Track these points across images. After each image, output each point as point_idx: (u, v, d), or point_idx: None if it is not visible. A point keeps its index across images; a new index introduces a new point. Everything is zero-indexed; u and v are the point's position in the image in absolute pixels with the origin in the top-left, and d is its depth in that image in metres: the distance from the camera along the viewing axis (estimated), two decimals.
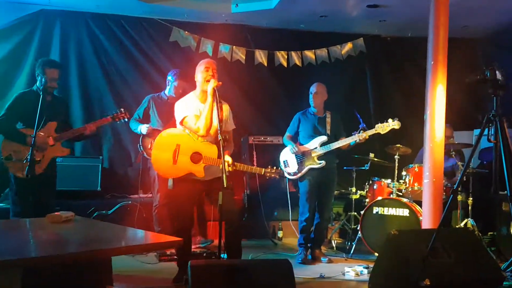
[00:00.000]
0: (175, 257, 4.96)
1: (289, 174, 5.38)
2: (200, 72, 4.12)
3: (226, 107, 4.24)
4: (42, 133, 4.38)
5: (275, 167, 4.22)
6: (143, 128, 5.28)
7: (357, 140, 5.10)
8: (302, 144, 5.32)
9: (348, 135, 5.25)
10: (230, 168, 3.95)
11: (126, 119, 4.87)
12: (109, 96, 6.67)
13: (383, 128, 5.08)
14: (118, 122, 4.94)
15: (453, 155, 5.54)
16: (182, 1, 6.30)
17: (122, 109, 4.85)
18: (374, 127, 5.11)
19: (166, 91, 5.49)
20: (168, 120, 5.23)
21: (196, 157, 4.01)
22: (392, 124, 5.05)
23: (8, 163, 4.40)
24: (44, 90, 4.36)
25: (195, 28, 6.90)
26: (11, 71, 6.28)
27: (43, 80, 4.43)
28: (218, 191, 3.90)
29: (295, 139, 5.39)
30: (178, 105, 4.21)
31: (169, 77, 5.49)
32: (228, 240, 4.06)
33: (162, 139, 4.16)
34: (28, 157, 4.04)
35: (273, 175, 4.19)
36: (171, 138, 4.11)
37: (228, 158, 3.97)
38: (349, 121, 5.52)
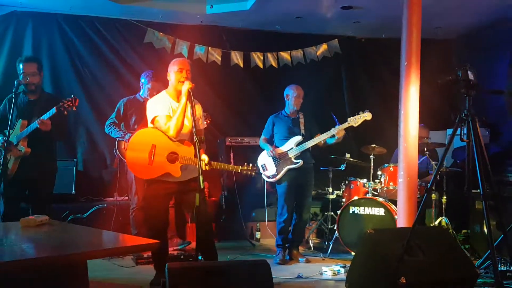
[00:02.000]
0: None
1: (268, 177, 5.38)
2: (174, 72, 4.08)
3: (198, 107, 4.19)
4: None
5: (251, 164, 4.21)
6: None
7: (334, 134, 5.13)
8: (278, 147, 5.33)
9: (323, 132, 5.29)
10: (207, 167, 3.93)
11: (74, 108, 4.34)
12: (82, 97, 6.54)
13: (355, 120, 5.14)
14: (66, 113, 4.35)
15: (427, 154, 5.62)
16: (156, 2, 6.26)
17: (72, 97, 4.32)
18: (346, 121, 5.15)
19: (141, 93, 5.43)
20: (145, 123, 5.18)
21: (172, 157, 3.97)
22: (364, 115, 5.11)
23: None
24: (25, 86, 4.27)
25: (170, 29, 6.86)
26: None
27: (20, 76, 4.33)
28: (192, 192, 3.92)
29: (271, 141, 5.41)
30: (150, 103, 4.16)
31: (142, 79, 5.43)
32: (200, 242, 4.04)
33: (137, 138, 4.11)
34: (1, 161, 3.97)
35: (249, 173, 4.19)
36: (147, 138, 4.05)
37: (204, 157, 3.95)
38: (325, 121, 5.55)
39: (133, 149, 4.08)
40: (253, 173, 4.18)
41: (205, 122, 4.31)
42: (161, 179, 4.00)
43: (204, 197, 4.00)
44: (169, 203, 4.17)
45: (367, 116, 5.11)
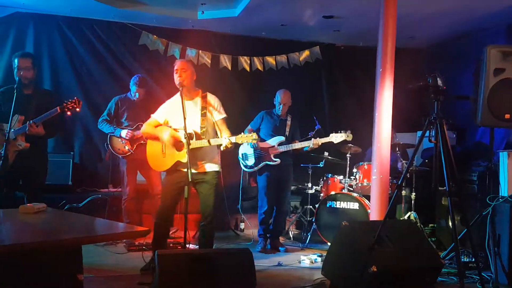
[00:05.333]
0: (144, 247, 4.91)
1: (245, 167, 5.41)
2: (174, 74, 4.06)
3: (212, 98, 4.15)
4: (5, 128, 4.14)
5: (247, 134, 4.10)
6: (123, 133, 5.12)
7: (311, 146, 5.17)
8: (264, 141, 5.34)
9: (304, 136, 5.31)
10: (229, 144, 3.83)
11: (78, 109, 4.32)
12: (80, 95, 6.47)
13: (336, 138, 5.17)
14: (70, 113, 4.33)
15: (398, 154, 5.68)
16: (151, 7, 6.24)
17: (75, 99, 4.30)
18: (329, 136, 5.18)
19: (131, 93, 5.40)
20: (136, 120, 5.17)
21: (179, 145, 3.96)
22: (345, 135, 5.15)
23: None
24: (19, 80, 4.18)
25: (163, 33, 6.83)
26: None
27: (15, 70, 4.26)
28: (204, 183, 3.92)
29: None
30: (164, 104, 4.19)
31: (131, 83, 5.38)
32: (201, 232, 4.04)
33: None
34: (2, 153, 3.92)
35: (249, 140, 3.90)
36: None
37: (223, 141, 3.86)
38: (306, 122, 5.59)
39: (151, 145, 4.14)
40: (251, 140, 3.90)
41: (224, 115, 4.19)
42: (176, 168, 3.98)
43: (213, 190, 4.02)
44: (180, 192, 4.01)
45: (348, 137, 5.15)
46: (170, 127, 4.08)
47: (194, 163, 3.90)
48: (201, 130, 3.95)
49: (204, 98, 4.11)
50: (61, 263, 2.84)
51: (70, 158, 6.17)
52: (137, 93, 5.28)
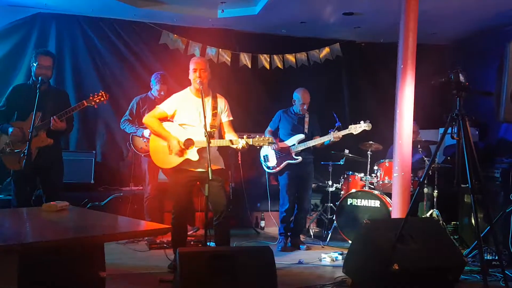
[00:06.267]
0: (165, 245, 4.95)
1: (268, 168, 5.40)
2: (191, 71, 4.06)
3: (221, 101, 4.17)
4: (21, 126, 4.23)
5: (264, 136, 4.06)
6: (145, 132, 5.10)
7: (331, 139, 5.14)
8: (282, 141, 5.34)
9: (324, 133, 5.28)
10: (245, 146, 3.88)
11: (105, 102, 4.48)
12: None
13: (355, 129, 5.12)
14: (96, 107, 4.49)
15: (420, 151, 5.61)
16: (171, 6, 6.27)
17: (101, 92, 4.43)
18: (348, 128, 5.14)
19: (152, 91, 5.44)
20: None
21: (187, 142, 3.95)
22: (364, 125, 5.08)
23: (3, 156, 4.30)
24: (36, 77, 4.23)
25: (183, 32, 6.86)
26: (9, 70, 6.19)
27: (33, 67, 4.29)
28: (214, 181, 3.90)
29: (275, 134, 5.40)
30: (171, 97, 4.18)
31: (152, 81, 5.42)
32: (216, 230, 4.05)
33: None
34: (25, 151, 3.97)
35: (263, 143, 4.00)
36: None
37: (240, 142, 3.90)
38: (327, 119, 5.55)
39: (155, 140, 4.10)
40: (267, 144, 4.00)
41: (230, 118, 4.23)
42: (183, 167, 3.98)
43: (221, 187, 4.02)
44: (191, 191, 4.08)
45: (367, 126, 5.07)
46: (173, 121, 4.08)
47: (201, 163, 3.91)
48: (211, 129, 3.95)
49: (214, 98, 4.13)
50: (84, 260, 2.88)
51: (92, 157, 6.25)
52: (161, 91, 5.28)
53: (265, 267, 3.24)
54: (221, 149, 4.17)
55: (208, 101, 4.08)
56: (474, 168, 3.37)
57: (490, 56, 6.24)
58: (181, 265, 3.09)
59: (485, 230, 4.32)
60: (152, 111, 4.17)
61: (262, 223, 6.46)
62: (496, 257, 4.35)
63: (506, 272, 3.56)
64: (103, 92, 4.45)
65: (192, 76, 4.03)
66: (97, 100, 4.38)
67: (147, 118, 4.13)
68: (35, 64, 4.30)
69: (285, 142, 5.30)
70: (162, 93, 5.28)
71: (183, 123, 4.03)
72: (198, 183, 4.10)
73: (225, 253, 3.29)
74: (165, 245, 4.95)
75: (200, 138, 3.88)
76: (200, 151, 3.93)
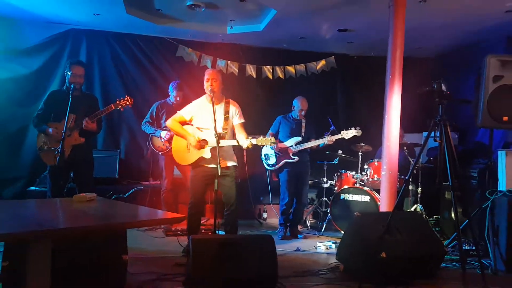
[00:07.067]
0: (179, 232, 4.95)
1: (268, 165, 5.42)
2: (205, 81, 4.09)
3: (232, 106, 4.18)
4: (58, 126, 4.25)
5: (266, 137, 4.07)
6: (163, 133, 5.12)
7: (326, 142, 5.14)
8: (282, 142, 5.33)
9: (319, 137, 5.28)
10: (250, 145, 3.89)
11: (130, 106, 4.52)
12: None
13: (347, 134, 5.13)
14: (122, 110, 4.56)
15: (406, 153, 5.59)
16: (186, 24, 6.27)
17: (126, 97, 4.49)
18: (340, 133, 5.14)
19: (170, 98, 5.45)
20: None
21: (203, 142, 4.00)
22: (355, 132, 5.10)
23: (41, 153, 4.35)
24: (69, 84, 4.25)
25: (197, 46, 6.88)
26: (45, 80, 6.22)
27: (67, 75, 4.32)
28: (228, 177, 3.94)
29: (276, 136, 5.40)
30: (191, 104, 4.21)
31: (170, 88, 5.43)
32: (226, 220, 4.06)
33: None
34: (59, 149, 4.00)
35: (266, 143, 3.98)
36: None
37: (246, 142, 3.90)
38: (323, 124, 5.54)
39: (177, 140, 4.17)
40: (269, 143, 3.98)
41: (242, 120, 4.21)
42: (199, 164, 4.03)
43: (234, 182, 4.03)
44: (206, 185, 4.06)
45: (357, 133, 5.09)
46: (192, 125, 4.11)
47: (214, 160, 3.91)
48: (223, 131, 3.99)
49: (227, 104, 4.15)
50: (109, 245, 2.89)
51: (117, 154, 6.27)
52: (177, 97, 5.31)
53: (267, 253, 3.25)
54: (234, 148, 4.18)
55: (221, 107, 4.11)
56: (454, 168, 3.36)
57: (469, 68, 6.22)
58: (193, 250, 3.09)
59: (464, 223, 4.30)
60: (174, 116, 4.20)
61: (265, 215, 6.45)
62: (473, 248, 4.33)
63: (482, 261, 3.54)
64: (128, 97, 4.50)
65: (205, 85, 4.07)
66: (123, 104, 4.44)
67: (170, 121, 4.17)
68: (69, 73, 4.33)
69: (284, 143, 5.31)
70: (178, 98, 5.30)
71: (199, 126, 4.09)
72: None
73: (232, 241, 3.30)
74: (179, 232, 4.96)
75: (213, 139, 3.89)
76: (212, 149, 3.94)
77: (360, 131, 5.08)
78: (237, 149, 4.22)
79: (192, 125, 4.14)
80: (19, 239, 2.00)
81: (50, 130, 4.27)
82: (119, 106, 4.43)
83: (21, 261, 2.05)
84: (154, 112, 5.36)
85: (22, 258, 2.04)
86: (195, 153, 4.02)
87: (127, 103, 4.46)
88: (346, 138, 5.14)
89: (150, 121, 5.35)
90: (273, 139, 3.93)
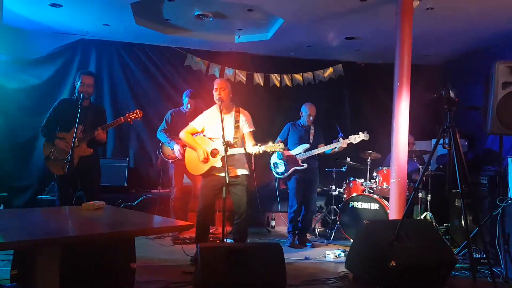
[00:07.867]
0: (187, 241, 4.94)
1: (277, 174, 5.40)
2: (213, 90, 4.13)
3: (242, 115, 4.19)
4: (65, 137, 4.28)
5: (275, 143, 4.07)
6: (175, 147, 5.02)
7: (336, 149, 5.12)
8: (290, 150, 5.32)
9: (327, 143, 5.26)
10: (258, 152, 3.93)
11: (139, 119, 4.55)
12: (134, 109, 6.61)
13: (355, 139, 5.11)
14: (132, 123, 4.60)
15: (415, 160, 5.54)
16: (195, 33, 6.32)
17: (136, 110, 4.54)
18: (348, 138, 5.13)
19: (184, 107, 5.47)
20: None
21: (214, 152, 4.04)
22: (363, 136, 5.09)
23: (48, 162, 4.37)
24: (79, 94, 4.29)
25: (205, 55, 6.92)
26: (55, 89, 6.29)
27: (77, 85, 4.36)
28: (238, 185, 3.95)
29: (284, 144, 5.39)
30: (202, 114, 4.24)
31: (183, 97, 5.46)
32: (236, 228, 4.05)
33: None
34: (69, 157, 4.02)
35: (276, 150, 4.00)
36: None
37: (255, 149, 3.93)
38: (330, 131, 5.52)
39: (189, 151, 4.23)
40: (279, 149, 3.99)
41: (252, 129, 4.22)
42: (210, 173, 4.05)
43: (245, 191, 4.04)
44: (216, 193, 4.08)
45: (365, 137, 5.08)
46: (205, 135, 4.15)
47: (224, 169, 3.91)
48: (234, 140, 4.02)
49: (237, 112, 4.17)
50: (117, 252, 2.89)
51: (126, 163, 6.30)
52: (189, 104, 5.32)
53: (276, 262, 3.23)
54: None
55: (231, 116, 4.14)
56: (464, 175, 3.33)
57: (478, 75, 6.15)
58: (202, 258, 3.08)
59: (474, 231, 4.24)
60: (186, 127, 4.24)
61: (273, 223, 6.42)
62: (484, 256, 4.27)
63: (493, 269, 3.50)
64: (138, 110, 4.54)
65: (214, 94, 4.10)
66: (133, 117, 4.49)
67: (183, 134, 4.21)
68: (79, 83, 4.37)
69: (291, 151, 5.30)
70: (189, 106, 5.32)
71: (211, 136, 4.13)
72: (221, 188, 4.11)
73: (240, 249, 3.28)
74: (187, 240, 4.95)
75: (223, 148, 3.90)
76: (223, 159, 3.94)
77: (368, 135, 5.07)
78: (246, 157, 4.22)
79: (205, 135, 4.18)
80: (29, 247, 2.01)
81: (58, 141, 4.30)
82: (129, 119, 4.48)
83: (30, 268, 2.06)
84: (169, 119, 5.37)
85: (31, 265, 2.04)
86: (207, 163, 4.05)
87: (137, 116, 4.51)
88: (354, 142, 5.12)
89: (166, 127, 5.34)
90: (282, 145, 3.95)
